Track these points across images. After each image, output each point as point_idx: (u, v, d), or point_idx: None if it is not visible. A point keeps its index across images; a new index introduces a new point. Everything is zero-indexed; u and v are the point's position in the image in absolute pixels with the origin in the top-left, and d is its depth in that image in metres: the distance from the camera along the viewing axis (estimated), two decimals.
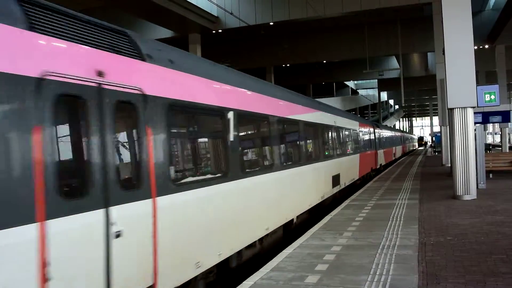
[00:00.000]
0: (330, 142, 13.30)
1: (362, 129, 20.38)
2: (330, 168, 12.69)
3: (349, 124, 16.83)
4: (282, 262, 6.63)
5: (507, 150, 35.12)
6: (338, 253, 6.99)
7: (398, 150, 41.00)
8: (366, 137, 21.43)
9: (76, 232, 3.51)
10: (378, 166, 24.49)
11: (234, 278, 6.80)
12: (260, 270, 6.24)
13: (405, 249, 7.02)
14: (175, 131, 5.25)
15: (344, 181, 14.63)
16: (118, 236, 3.88)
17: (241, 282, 5.73)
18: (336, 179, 13.22)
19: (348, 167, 15.75)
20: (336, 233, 8.49)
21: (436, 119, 71.69)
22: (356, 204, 12.31)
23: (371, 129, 23.31)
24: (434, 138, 62.00)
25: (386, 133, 31.92)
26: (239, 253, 6.79)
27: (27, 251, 3.09)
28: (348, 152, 15.91)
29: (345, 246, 7.42)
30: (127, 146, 4.40)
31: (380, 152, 25.98)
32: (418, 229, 8.51)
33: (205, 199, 5.56)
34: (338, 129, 14.43)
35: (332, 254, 6.94)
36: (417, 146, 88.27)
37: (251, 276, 5.95)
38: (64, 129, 3.73)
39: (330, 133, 13.34)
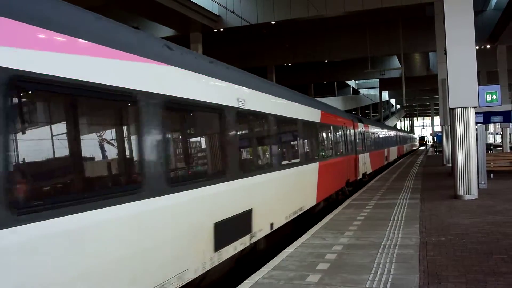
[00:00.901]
0: (218, 146, 6.28)
1: (330, 123, 13.26)
2: (205, 205, 5.62)
3: (293, 111, 9.65)
4: (283, 261, 6.65)
5: (508, 150, 35.09)
6: (339, 252, 7.00)
7: (392, 153, 34.29)
8: (339, 136, 14.64)
9: None
10: (359, 177, 17.93)
11: None
12: (261, 269, 6.25)
13: (406, 248, 7.03)
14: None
15: (271, 220, 7.81)
16: None
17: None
18: (232, 227, 6.27)
19: (285, 190, 8.81)
20: (337, 233, 8.50)
21: (437, 119, 71.71)
22: (357, 203, 12.32)
23: (349, 126, 16.58)
24: (435, 138, 62.06)
25: (375, 131, 24.73)
26: None
27: None
28: (287, 163, 9.02)
29: (346, 246, 7.43)
30: None
31: (364, 156, 19.37)
32: (419, 228, 8.52)
33: None
34: (251, 117, 7.37)
35: (333, 253, 6.95)
36: (417, 147, 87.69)
37: (252, 275, 5.97)
38: None
39: (216, 125, 6.22)
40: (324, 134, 12.73)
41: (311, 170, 10.78)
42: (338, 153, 14.29)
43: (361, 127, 19.69)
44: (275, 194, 8.23)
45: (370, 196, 13.65)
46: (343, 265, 6.25)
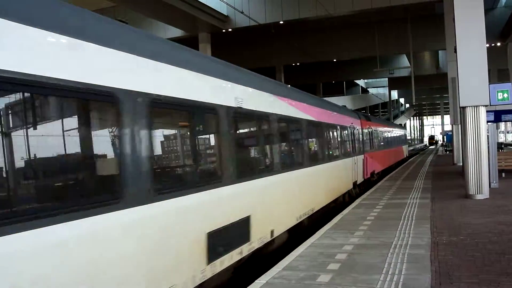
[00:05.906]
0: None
1: None
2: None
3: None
4: (294, 261, 6.64)
5: None
6: (349, 252, 6.98)
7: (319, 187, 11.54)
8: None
9: None
10: None
11: None
12: (272, 269, 6.25)
13: (417, 248, 6.98)
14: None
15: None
16: None
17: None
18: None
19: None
20: (348, 232, 8.47)
21: (447, 118, 71.15)
22: (367, 203, 12.27)
23: None
24: (445, 137, 61.61)
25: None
26: None
27: None
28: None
29: (356, 245, 7.40)
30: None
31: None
32: (430, 228, 8.46)
33: None
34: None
35: (344, 253, 6.93)
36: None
37: (263, 275, 5.97)
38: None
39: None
40: None
41: None
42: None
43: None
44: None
45: (380, 196, 13.59)
46: (354, 265, 6.22)
